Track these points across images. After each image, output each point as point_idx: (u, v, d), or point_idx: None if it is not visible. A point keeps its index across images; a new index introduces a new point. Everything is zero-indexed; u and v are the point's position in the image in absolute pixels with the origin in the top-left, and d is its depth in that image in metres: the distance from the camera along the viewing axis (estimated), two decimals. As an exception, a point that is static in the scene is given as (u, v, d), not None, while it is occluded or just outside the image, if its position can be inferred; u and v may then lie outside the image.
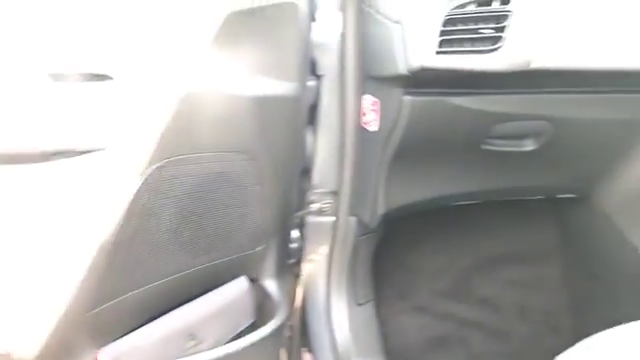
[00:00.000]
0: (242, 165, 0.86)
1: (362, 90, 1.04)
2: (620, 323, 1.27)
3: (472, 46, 0.88)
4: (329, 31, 1.03)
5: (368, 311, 1.22)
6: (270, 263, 1.00)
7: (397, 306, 1.39)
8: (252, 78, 0.84)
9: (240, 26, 0.81)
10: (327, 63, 1.05)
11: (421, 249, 1.44)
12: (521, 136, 1.07)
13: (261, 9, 0.87)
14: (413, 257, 1.44)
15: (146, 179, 0.71)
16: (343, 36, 1.02)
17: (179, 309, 0.85)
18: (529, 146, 1.08)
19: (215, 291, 0.91)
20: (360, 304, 1.20)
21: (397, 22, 0.90)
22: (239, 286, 0.95)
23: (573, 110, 1.03)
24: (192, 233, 0.81)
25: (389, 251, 1.33)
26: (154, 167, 0.72)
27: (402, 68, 0.90)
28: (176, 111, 0.72)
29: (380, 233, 1.22)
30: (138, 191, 0.71)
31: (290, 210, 1.06)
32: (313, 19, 1.01)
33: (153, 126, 0.72)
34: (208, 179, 0.81)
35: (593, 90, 1.00)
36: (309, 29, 0.99)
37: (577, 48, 0.90)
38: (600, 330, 1.31)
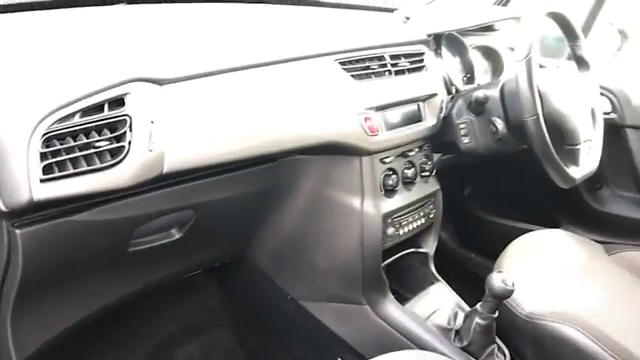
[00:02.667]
0: None
1: None
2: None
3: (89, 164, 0.72)
4: None
5: None
6: None
7: None
8: None
9: None
10: None
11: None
12: (167, 228, 1.01)
13: None
14: None
15: None
16: None
17: None
18: (177, 235, 1.03)
19: None
20: None
21: None
22: None
23: (210, 194, 1.01)
24: None
25: None
26: None
27: None
28: None
29: None
30: None
31: None
32: None
33: None
34: None
35: (221, 172, 0.99)
36: None
37: (203, 147, 0.86)
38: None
